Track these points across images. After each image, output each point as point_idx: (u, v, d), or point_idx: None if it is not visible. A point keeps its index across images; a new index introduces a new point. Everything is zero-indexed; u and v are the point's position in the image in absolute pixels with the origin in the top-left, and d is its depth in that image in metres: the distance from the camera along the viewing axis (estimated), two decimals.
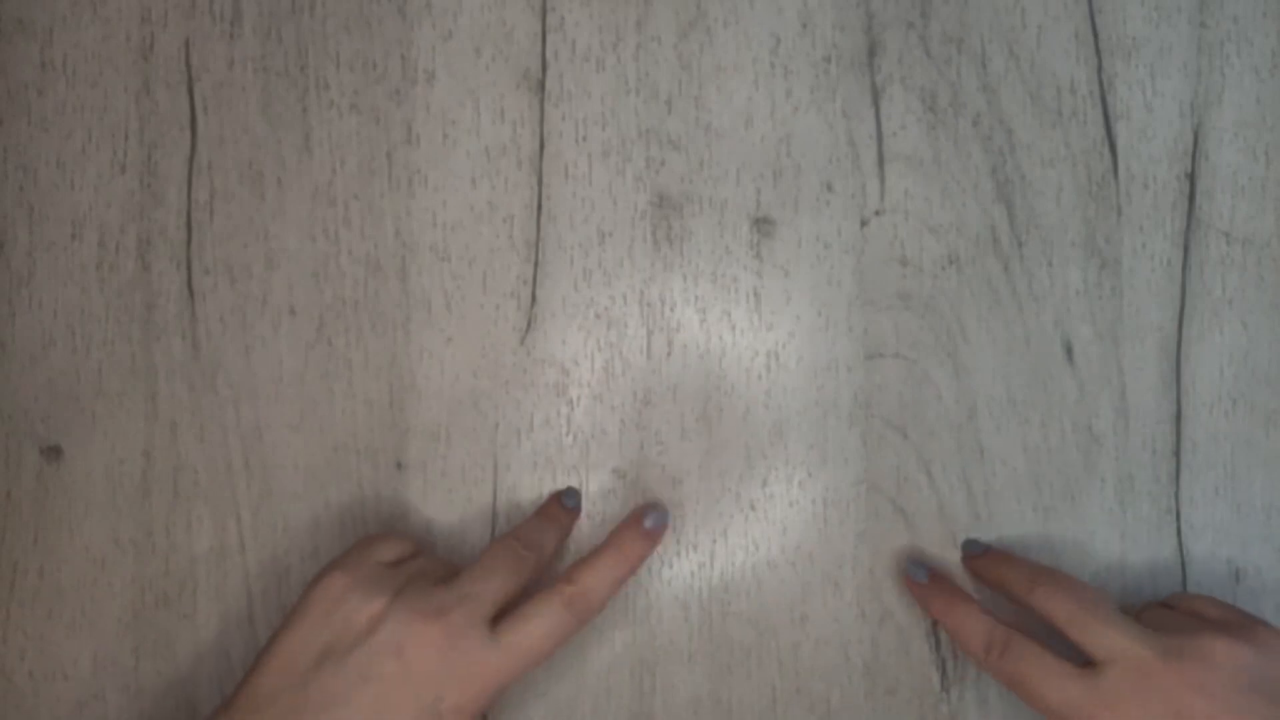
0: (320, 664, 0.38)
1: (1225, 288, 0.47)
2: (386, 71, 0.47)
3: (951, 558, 0.47)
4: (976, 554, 0.46)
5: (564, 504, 0.46)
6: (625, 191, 0.47)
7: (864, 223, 0.47)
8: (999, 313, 0.47)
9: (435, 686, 0.39)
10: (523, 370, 0.47)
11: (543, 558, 0.43)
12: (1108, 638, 0.40)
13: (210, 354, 0.47)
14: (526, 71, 0.47)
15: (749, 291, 0.47)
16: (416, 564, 0.42)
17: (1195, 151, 0.48)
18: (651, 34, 0.47)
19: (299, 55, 0.47)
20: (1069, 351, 0.47)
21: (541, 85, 0.47)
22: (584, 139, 0.47)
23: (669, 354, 0.47)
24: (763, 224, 0.47)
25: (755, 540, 0.47)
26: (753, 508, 0.47)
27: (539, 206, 0.47)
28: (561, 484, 0.47)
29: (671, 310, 0.47)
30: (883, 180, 0.47)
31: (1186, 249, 0.47)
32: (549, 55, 0.48)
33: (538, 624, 0.41)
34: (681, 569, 0.47)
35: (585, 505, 0.47)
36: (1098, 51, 0.48)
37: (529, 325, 0.47)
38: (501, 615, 0.41)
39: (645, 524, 0.44)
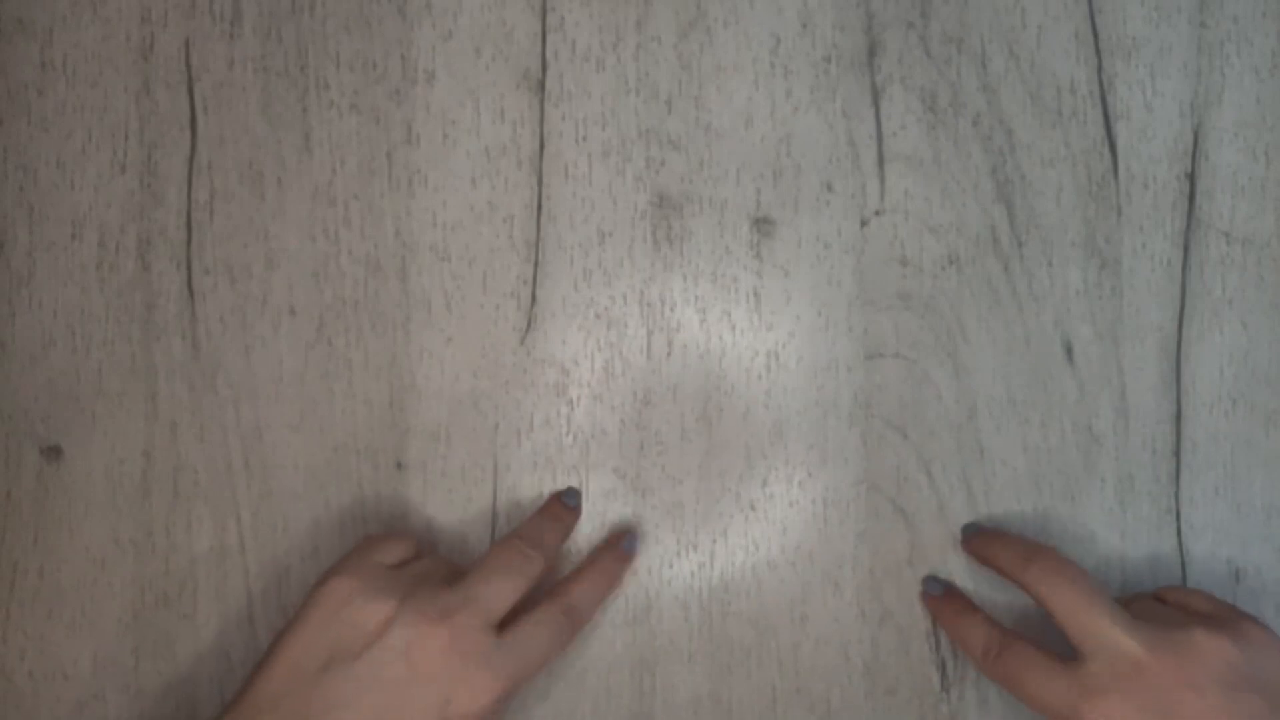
0: (326, 668, 0.38)
1: (1225, 288, 0.47)
2: (386, 71, 0.47)
3: (952, 558, 0.47)
4: (973, 535, 0.46)
5: (565, 504, 0.46)
6: (625, 191, 0.47)
7: (864, 223, 0.47)
8: (999, 313, 0.47)
9: (443, 690, 0.38)
10: (523, 370, 0.47)
11: (547, 557, 0.43)
12: (1095, 627, 0.39)
13: (210, 354, 0.47)
14: (526, 71, 0.47)
15: (749, 291, 0.47)
16: (420, 565, 0.42)
17: (1195, 151, 0.48)
18: (651, 34, 0.47)
19: (299, 55, 0.47)
20: (1069, 351, 0.47)
21: (541, 85, 0.47)
22: (584, 139, 0.47)
23: (669, 354, 0.47)
24: (763, 224, 0.47)
25: (755, 540, 0.47)
26: (753, 508, 0.47)
27: (539, 206, 0.47)
28: (561, 484, 0.47)
29: (671, 310, 0.47)
30: (883, 180, 0.47)
31: (1186, 249, 0.47)
32: (549, 55, 0.48)
33: (542, 630, 0.41)
34: (681, 569, 0.47)
35: (585, 505, 0.47)
36: (1098, 51, 0.48)
37: (529, 325, 0.47)
38: (505, 621, 0.41)
39: (622, 546, 0.45)
